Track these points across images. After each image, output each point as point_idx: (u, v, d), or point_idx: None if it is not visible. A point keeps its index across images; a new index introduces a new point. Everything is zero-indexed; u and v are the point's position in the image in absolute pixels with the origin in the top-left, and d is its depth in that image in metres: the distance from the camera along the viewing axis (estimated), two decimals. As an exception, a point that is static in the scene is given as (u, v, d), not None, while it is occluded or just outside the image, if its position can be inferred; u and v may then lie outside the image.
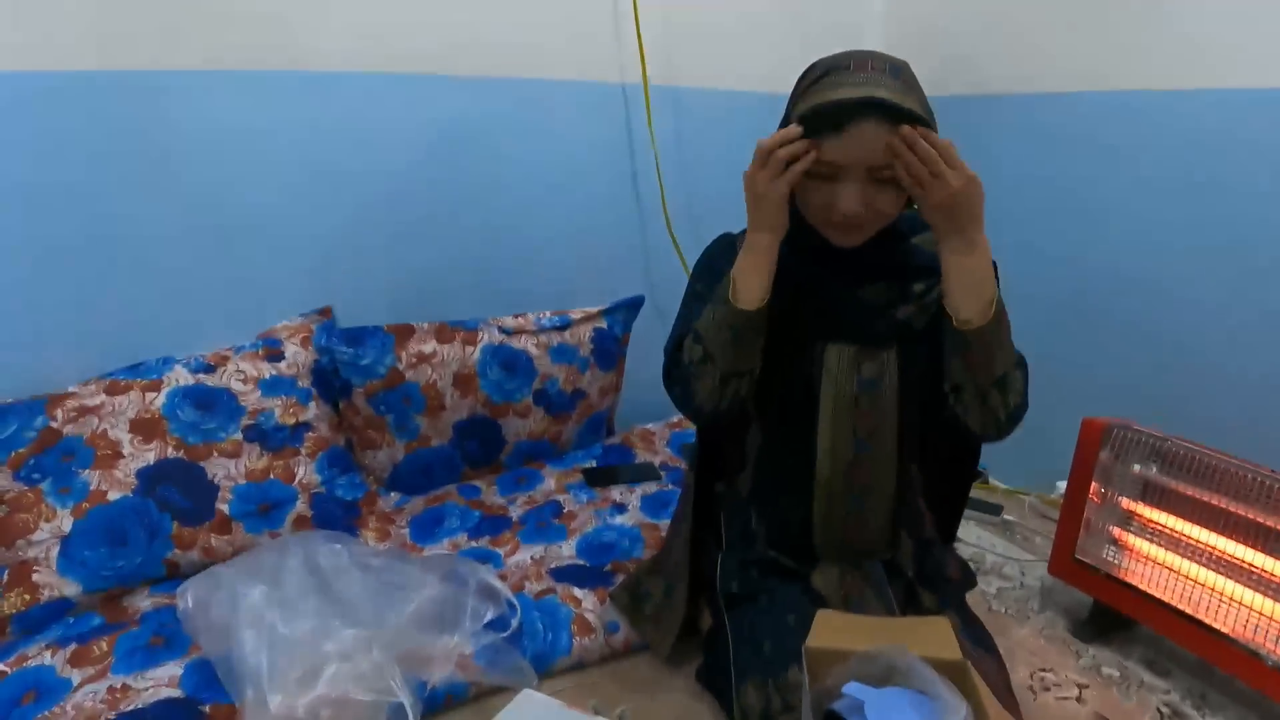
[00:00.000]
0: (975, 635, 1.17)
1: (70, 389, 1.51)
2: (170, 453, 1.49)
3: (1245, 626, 1.38)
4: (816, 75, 1.05)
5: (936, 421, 1.18)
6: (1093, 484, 1.58)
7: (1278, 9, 1.69)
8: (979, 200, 1.03)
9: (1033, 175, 2.22)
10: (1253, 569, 1.39)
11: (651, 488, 1.86)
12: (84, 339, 1.59)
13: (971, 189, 1.01)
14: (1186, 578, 1.47)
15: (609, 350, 2.05)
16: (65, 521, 1.37)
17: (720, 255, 1.20)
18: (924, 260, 1.14)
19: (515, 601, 1.35)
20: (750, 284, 1.08)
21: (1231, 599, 1.41)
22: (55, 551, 1.35)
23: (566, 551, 1.60)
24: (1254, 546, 1.39)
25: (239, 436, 1.57)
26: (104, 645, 1.24)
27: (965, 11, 2.33)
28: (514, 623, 1.31)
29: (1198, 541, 1.47)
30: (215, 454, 1.54)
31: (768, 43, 2.32)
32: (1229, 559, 1.43)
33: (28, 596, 1.32)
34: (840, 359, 1.14)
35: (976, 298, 1.04)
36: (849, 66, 1.02)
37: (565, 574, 1.49)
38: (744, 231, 1.17)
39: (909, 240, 1.15)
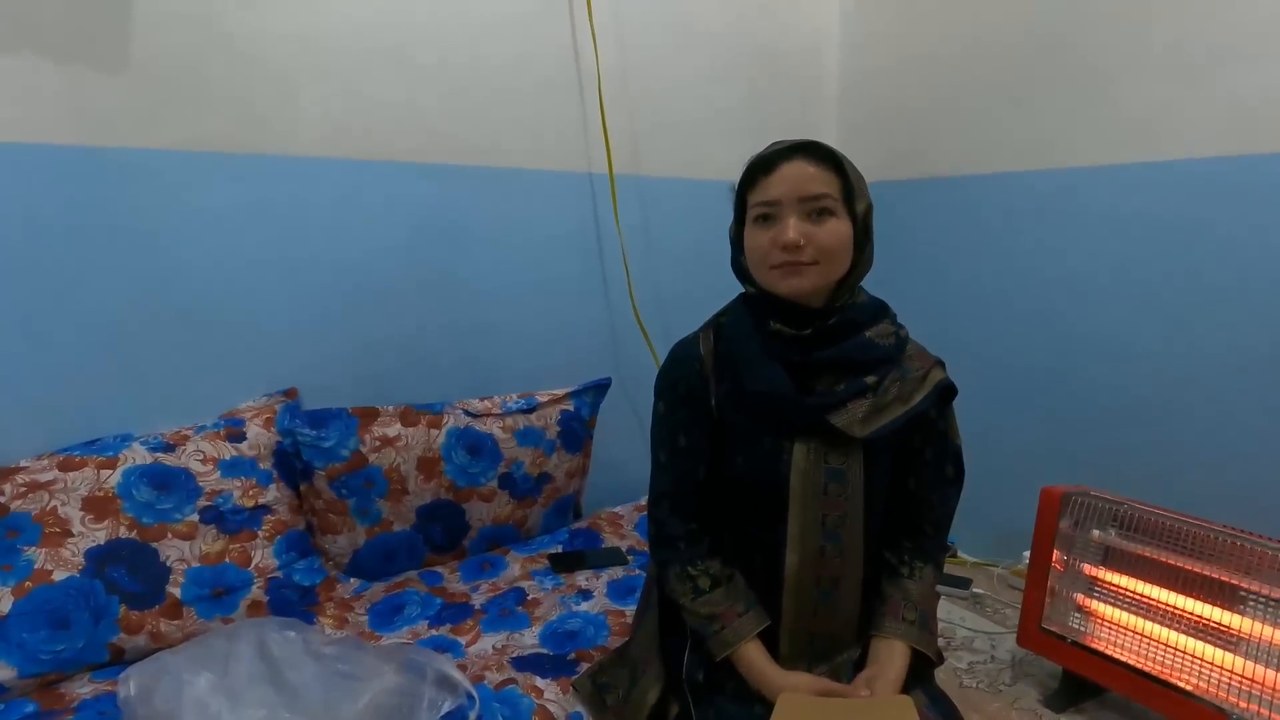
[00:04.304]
0: (943, 711, 1.15)
1: (22, 463, 1.47)
2: (123, 533, 1.45)
3: (1208, 683, 1.42)
4: (754, 155, 1.18)
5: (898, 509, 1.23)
6: (1055, 552, 1.61)
7: (1206, 85, 1.83)
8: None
9: (983, 253, 2.32)
10: (1211, 624, 1.44)
11: (618, 572, 1.83)
12: (40, 412, 1.56)
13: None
14: (1150, 639, 1.51)
15: (576, 433, 2.05)
16: (4, 601, 1.32)
17: (680, 384, 1.22)
18: (877, 354, 1.16)
19: (474, 692, 1.31)
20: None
21: (1194, 656, 1.45)
22: (-9, 632, 1.29)
23: (529, 640, 1.55)
24: (1212, 602, 1.44)
25: (195, 518, 1.54)
26: (35, 734, 1.17)
27: (915, 99, 2.48)
28: (472, 714, 1.27)
29: (1159, 602, 1.51)
30: (169, 535, 1.50)
31: (728, 134, 2.43)
32: (1189, 617, 1.48)
33: (-43, 679, 1.25)
34: (808, 453, 1.15)
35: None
36: (779, 142, 1.16)
37: (527, 663, 1.44)
38: (701, 332, 1.23)
39: (864, 334, 1.17)
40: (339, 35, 1.83)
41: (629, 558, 1.91)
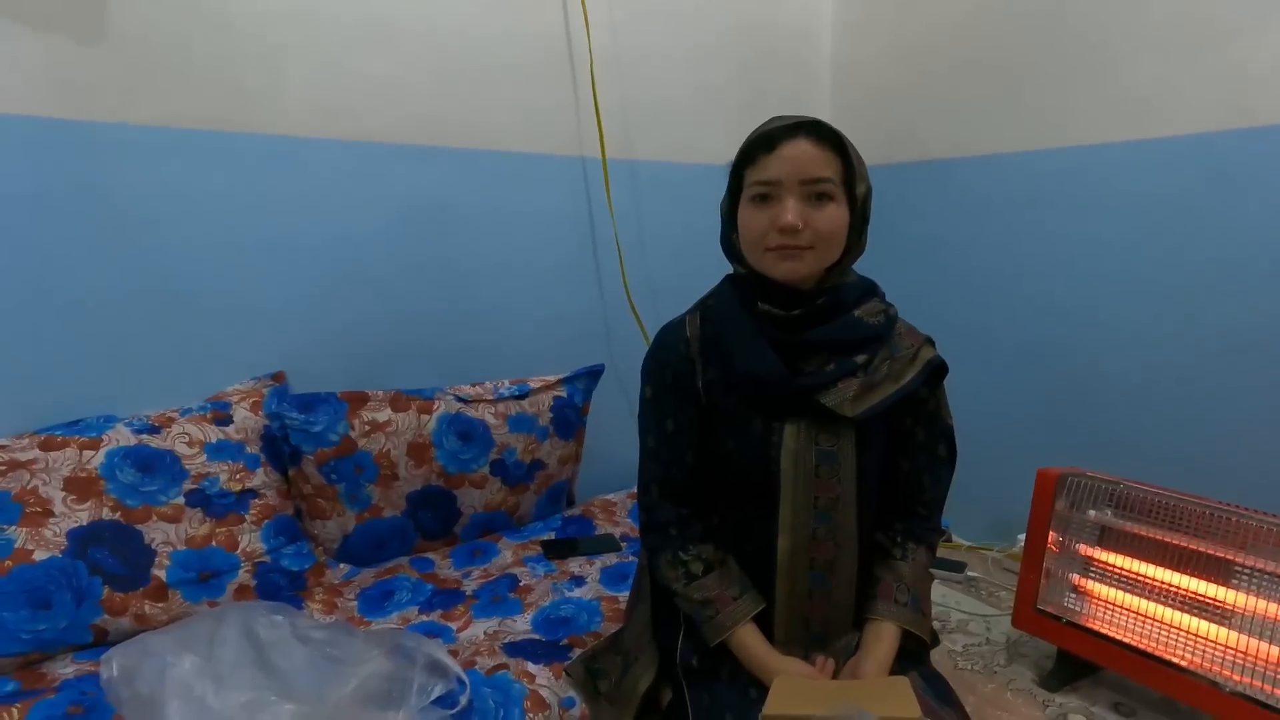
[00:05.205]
0: (938, 692, 1.14)
1: (1, 441, 1.44)
2: (106, 514, 1.42)
3: (1202, 657, 1.45)
4: (754, 129, 1.14)
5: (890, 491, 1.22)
6: (1050, 533, 1.63)
7: (1204, 59, 1.82)
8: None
9: (979, 235, 2.31)
10: (1205, 599, 1.46)
11: (611, 559, 1.81)
12: (20, 392, 1.53)
13: None
14: (1145, 616, 1.54)
15: (569, 419, 2.03)
16: (-16, 580, 1.29)
17: (666, 368, 1.20)
18: (865, 333, 1.15)
19: (465, 677, 1.29)
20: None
21: (1187, 632, 1.48)
22: (-30, 611, 1.27)
23: (521, 626, 1.54)
24: (1206, 578, 1.47)
25: (180, 501, 1.51)
26: (15, 713, 1.14)
27: (906, 82, 2.47)
28: (463, 700, 1.25)
29: (1153, 579, 1.54)
30: (154, 517, 1.47)
31: (720, 117, 2.42)
32: (1183, 593, 1.50)
33: (-64, 657, 1.23)
34: (798, 435, 1.13)
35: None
36: (781, 117, 1.12)
37: (519, 649, 1.42)
38: (688, 315, 1.21)
39: (852, 313, 1.16)
40: (327, 11, 1.79)
41: (622, 544, 1.89)
